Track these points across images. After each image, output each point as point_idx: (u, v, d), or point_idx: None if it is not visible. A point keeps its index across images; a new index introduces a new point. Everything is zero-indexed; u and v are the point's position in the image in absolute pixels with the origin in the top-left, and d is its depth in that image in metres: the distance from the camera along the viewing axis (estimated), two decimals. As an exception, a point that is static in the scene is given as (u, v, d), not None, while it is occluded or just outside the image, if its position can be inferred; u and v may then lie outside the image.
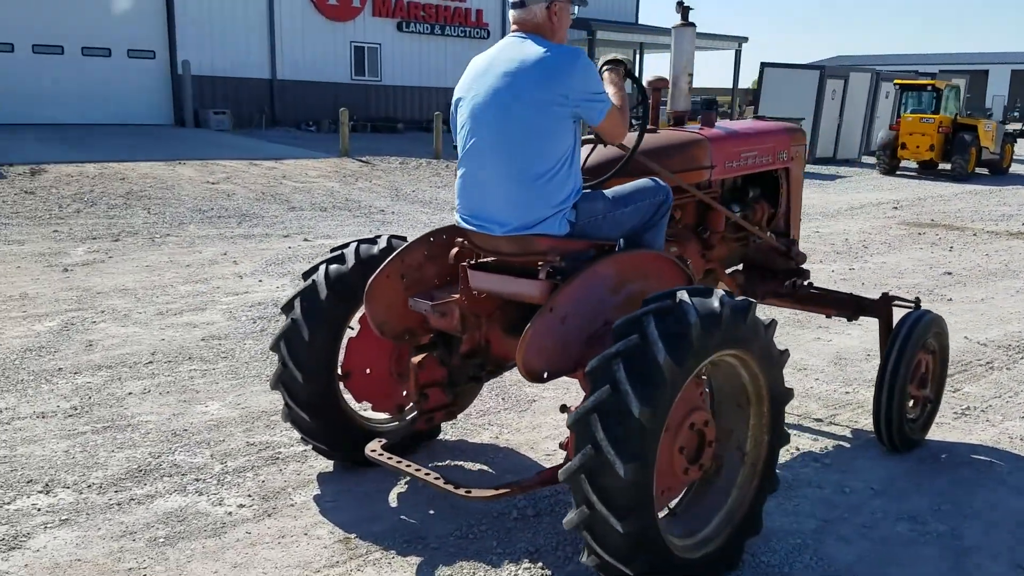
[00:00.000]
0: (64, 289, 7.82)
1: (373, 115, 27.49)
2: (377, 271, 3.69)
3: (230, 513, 3.78)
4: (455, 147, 3.38)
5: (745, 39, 35.16)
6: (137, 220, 11.70)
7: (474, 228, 3.37)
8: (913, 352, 4.42)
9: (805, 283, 5.01)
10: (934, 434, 4.87)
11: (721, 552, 3.33)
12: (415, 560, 3.44)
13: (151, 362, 5.82)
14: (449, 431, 4.73)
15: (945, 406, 5.29)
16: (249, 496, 3.94)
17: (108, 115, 22.97)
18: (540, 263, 3.31)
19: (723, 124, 4.74)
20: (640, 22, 36.25)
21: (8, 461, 4.22)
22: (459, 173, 3.39)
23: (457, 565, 3.41)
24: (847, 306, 4.95)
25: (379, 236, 4.14)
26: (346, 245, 4.11)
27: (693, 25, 4.75)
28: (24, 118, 21.39)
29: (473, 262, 3.58)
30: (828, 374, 5.94)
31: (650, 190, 3.48)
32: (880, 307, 4.81)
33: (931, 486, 4.24)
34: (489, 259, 3.56)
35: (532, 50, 3.18)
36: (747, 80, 44.76)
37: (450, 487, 3.29)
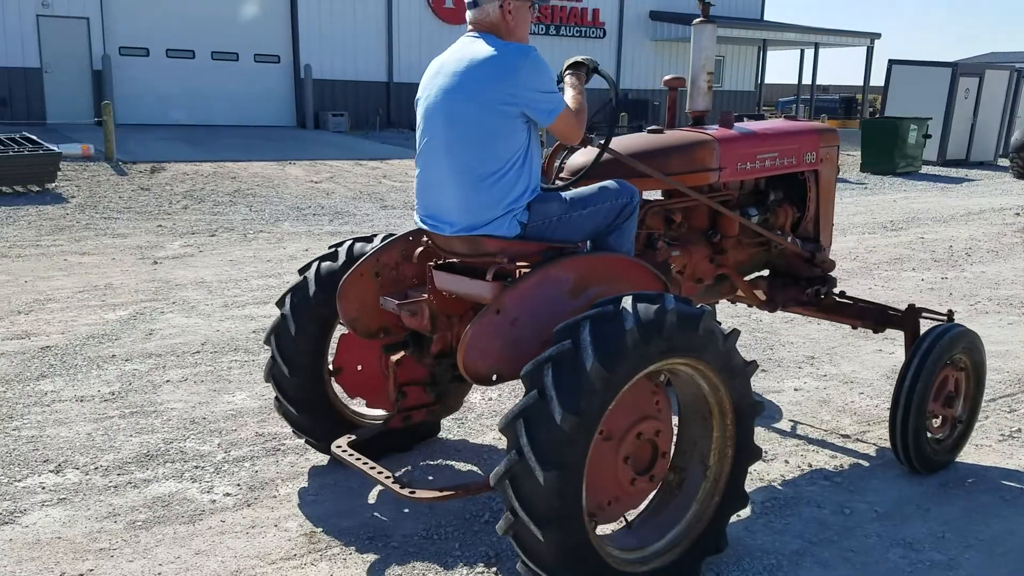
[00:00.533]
0: (147, 281, 8.26)
1: (487, 116, 27.79)
2: (351, 269, 3.73)
3: (214, 501, 3.91)
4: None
5: (878, 35, 33.67)
6: (237, 217, 12.22)
7: (429, 228, 3.37)
8: (934, 367, 4.13)
9: (835, 291, 4.77)
10: (971, 456, 4.55)
11: (673, 568, 3.21)
12: (371, 558, 3.47)
13: (198, 351, 6.08)
14: (455, 429, 4.74)
15: (991, 426, 4.94)
16: (238, 485, 4.06)
17: (235, 117, 24.12)
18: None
19: (743, 125, 4.57)
20: (765, 18, 35.28)
21: (34, 441, 4.49)
22: (416, 173, 3.40)
23: (410, 565, 3.42)
24: (871, 317, 4.68)
25: (375, 234, 4.18)
26: (343, 243, 4.18)
27: (714, 22, 4.60)
28: (156, 119, 22.76)
29: (440, 261, 3.58)
30: (875, 388, 5.63)
31: (612, 192, 3.39)
32: (905, 320, 4.52)
33: (941, 512, 3.95)
34: (455, 259, 3.55)
35: (482, 49, 3.16)
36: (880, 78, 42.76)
37: (396, 487, 3.30)
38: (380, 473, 3.42)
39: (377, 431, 4.03)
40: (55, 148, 13.64)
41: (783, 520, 3.84)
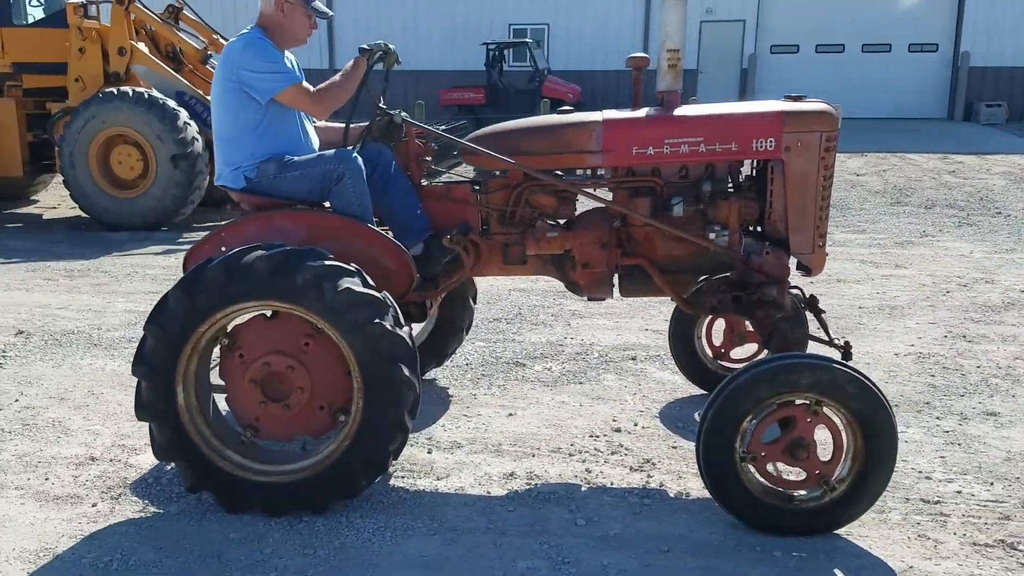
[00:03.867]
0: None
1: None
2: None
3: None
4: None
5: None
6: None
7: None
8: (737, 397, 3.34)
9: (769, 300, 3.91)
10: (887, 544, 3.44)
11: (289, 488, 3.62)
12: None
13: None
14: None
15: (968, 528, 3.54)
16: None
17: (878, 109, 23.55)
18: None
19: (687, 106, 4.13)
20: None
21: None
22: None
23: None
24: (762, 335, 3.78)
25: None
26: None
27: (683, -5, 4.21)
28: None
29: None
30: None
31: (324, 159, 3.82)
32: (771, 340, 3.58)
33: (671, 559, 3.30)
34: None
35: (236, 37, 3.92)
36: None
37: None
38: None
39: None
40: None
41: (510, 507, 3.72)
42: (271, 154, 3.89)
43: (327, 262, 3.48)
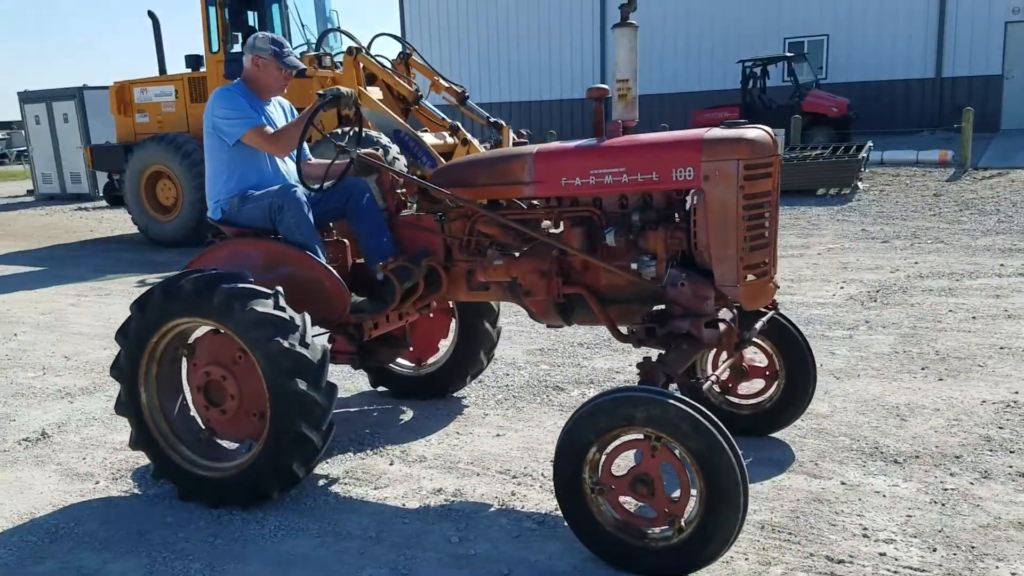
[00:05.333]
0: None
1: None
2: None
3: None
4: None
5: None
6: (971, 226, 11.52)
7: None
8: (584, 429, 3.29)
9: (679, 333, 3.71)
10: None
11: (224, 486, 4.07)
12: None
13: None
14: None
15: None
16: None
17: None
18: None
19: (622, 138, 4.03)
20: None
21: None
22: None
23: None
24: None
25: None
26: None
27: (634, 26, 4.17)
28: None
29: None
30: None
31: (270, 194, 4.27)
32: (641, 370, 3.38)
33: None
34: None
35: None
36: None
37: None
38: None
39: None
40: (861, 155, 14.83)
41: (407, 519, 3.88)
42: (239, 189, 4.43)
43: (241, 284, 3.90)
